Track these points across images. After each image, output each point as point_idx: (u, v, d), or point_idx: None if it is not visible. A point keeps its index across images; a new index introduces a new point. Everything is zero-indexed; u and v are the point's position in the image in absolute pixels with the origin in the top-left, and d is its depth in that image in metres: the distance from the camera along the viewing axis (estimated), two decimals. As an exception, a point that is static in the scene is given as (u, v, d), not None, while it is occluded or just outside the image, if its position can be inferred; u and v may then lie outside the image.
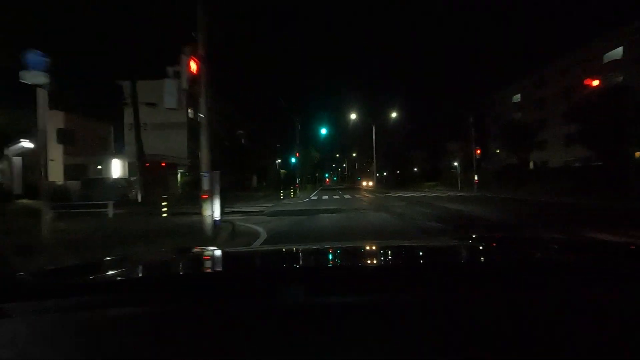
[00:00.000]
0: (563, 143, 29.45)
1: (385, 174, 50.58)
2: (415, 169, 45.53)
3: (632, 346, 0.53)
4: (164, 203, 9.77)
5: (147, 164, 20.27)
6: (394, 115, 35.54)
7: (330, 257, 1.28)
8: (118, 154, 22.32)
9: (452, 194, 22.23)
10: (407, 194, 22.26)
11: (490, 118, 40.77)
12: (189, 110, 35.26)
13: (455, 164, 38.95)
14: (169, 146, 32.84)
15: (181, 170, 26.02)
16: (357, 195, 22.10)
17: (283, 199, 18.43)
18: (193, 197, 21.23)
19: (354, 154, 71.85)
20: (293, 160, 24.24)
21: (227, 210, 13.55)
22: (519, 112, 36.57)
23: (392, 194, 23.54)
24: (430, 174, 40.08)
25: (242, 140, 39.57)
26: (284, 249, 1.55)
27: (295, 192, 22.17)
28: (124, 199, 17.58)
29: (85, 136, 22.31)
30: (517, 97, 37.07)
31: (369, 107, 35.11)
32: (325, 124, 24.27)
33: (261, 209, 13.71)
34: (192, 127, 36.01)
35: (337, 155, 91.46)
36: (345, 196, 21.54)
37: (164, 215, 9.66)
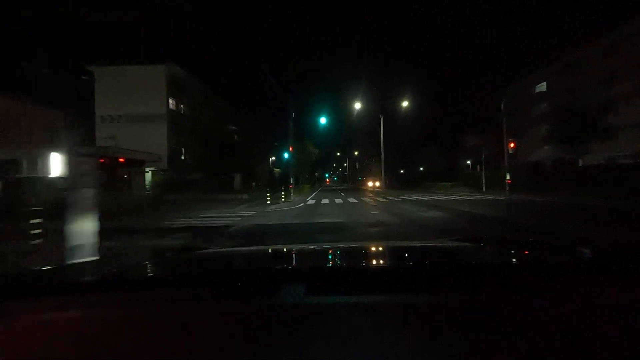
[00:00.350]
0: (603, 136, 25.16)
1: (388, 173, 46.12)
2: (425, 168, 40.96)
3: (632, 346, 0.53)
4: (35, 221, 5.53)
5: (102, 160, 16.12)
6: (403, 106, 31.27)
7: (330, 257, 1.27)
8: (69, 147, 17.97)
9: (482, 197, 17.97)
10: (426, 197, 17.99)
11: (508, 111, 36.49)
12: (170, 101, 31.10)
13: (468, 162, 34.88)
14: (146, 141, 28.62)
15: (152, 169, 21.77)
16: (365, 199, 17.81)
17: (270, 203, 14.18)
18: (160, 202, 16.94)
19: (356, 153, 67.63)
20: (286, 155, 19.94)
21: (179, 223, 9.36)
22: (544, 103, 32.32)
23: (407, 196, 19.29)
24: (445, 173, 35.72)
25: (235, 137, 35.51)
26: (283, 249, 1.53)
27: (287, 194, 17.94)
28: (59, 204, 13.41)
29: (23, 125, 18.02)
30: (542, 86, 32.75)
31: (376, 98, 30.87)
32: (325, 114, 20.00)
33: (233, 220, 9.53)
34: (174, 120, 31.99)
35: (338, 154, 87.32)
36: (350, 200, 17.27)
37: (36, 240, 5.42)
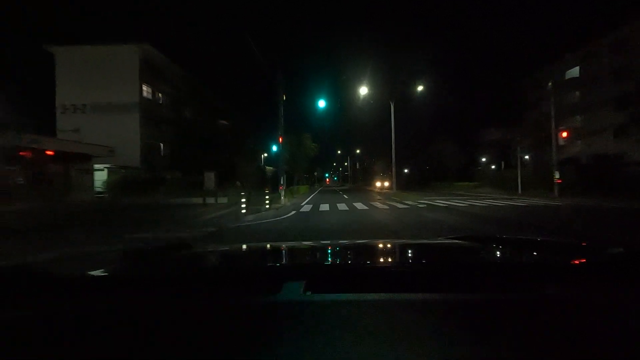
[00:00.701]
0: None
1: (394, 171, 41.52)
2: (437, 166, 36.36)
3: (631, 347, 0.52)
4: None
5: (22, 153, 11.93)
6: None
7: (330, 254, 1.25)
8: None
9: (532, 201, 13.74)
10: (458, 202, 13.78)
11: (530, 103, 32.29)
12: (144, 88, 26.82)
13: (483, 159, 30.62)
14: (117, 134, 24.29)
15: (106, 166, 17.50)
16: (376, 205, 13.58)
17: (247, 213, 9.97)
18: (98, 211, 11.55)
19: (358, 151, 63.39)
20: (274, 148, 15.80)
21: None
22: (577, 91, 28.16)
23: (429, 200, 15.08)
24: (460, 172, 31.40)
25: (223, 130, 30.86)
26: (282, 246, 1.52)
27: (275, 198, 13.76)
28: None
29: None
30: (574, 72, 28.53)
31: (381, 87, 26.52)
32: (325, 99, 15.73)
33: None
34: (149, 111, 27.61)
35: (339, 152, 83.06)
36: (357, 205, 13.07)
37: None
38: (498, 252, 1.22)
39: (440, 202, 13.86)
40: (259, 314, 0.61)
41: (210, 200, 14.25)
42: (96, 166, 15.36)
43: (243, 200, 10.01)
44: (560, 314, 0.60)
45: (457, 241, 1.42)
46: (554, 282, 0.72)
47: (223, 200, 14.64)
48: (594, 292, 0.69)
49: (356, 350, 0.50)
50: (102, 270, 0.97)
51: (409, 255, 1.24)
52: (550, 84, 16.42)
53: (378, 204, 13.50)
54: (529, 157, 26.00)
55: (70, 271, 0.94)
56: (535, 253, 1.17)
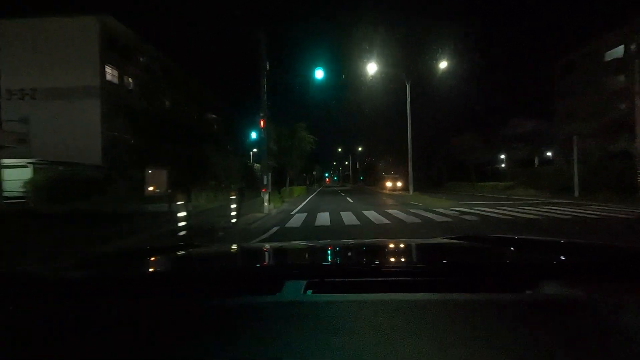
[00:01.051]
0: None
1: (404, 170, 37.04)
2: (453, 163, 31.82)
3: (631, 347, 0.52)
4: None
5: None
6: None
7: (331, 254, 1.25)
8: None
9: (615, 208, 9.55)
10: (514, 211, 9.63)
11: (562, 90, 28.05)
12: (107, 70, 22.60)
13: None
14: (75, 125, 20.41)
15: (30, 161, 13.23)
16: (396, 214, 9.42)
17: (188, 236, 5.80)
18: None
19: (360, 148, 59.17)
20: (254, 135, 12.00)
21: None
22: (622, 74, 23.94)
23: (466, 206, 10.91)
24: (485, 170, 26.94)
25: (207, 119, 26.51)
26: (284, 246, 1.52)
27: (257, 204, 9.63)
28: None
29: None
30: (618, 51, 24.23)
31: (396, 63, 22.14)
32: (323, 68, 11.57)
33: None
34: (114, 96, 23.40)
35: (340, 150, 78.75)
36: (369, 216, 8.92)
37: None
38: (497, 252, 1.21)
39: (490, 211, 9.68)
40: (260, 313, 0.61)
41: (163, 207, 10.04)
42: (10, 161, 11.26)
43: (182, 214, 5.84)
44: (559, 314, 0.60)
45: (457, 241, 1.42)
46: (554, 282, 0.72)
47: (189, 210, 10.41)
48: (593, 292, 0.69)
49: (357, 350, 0.50)
50: (102, 270, 0.96)
51: (410, 255, 1.24)
52: (633, 46, 12.18)
53: (399, 213, 9.33)
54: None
55: (66, 273, 0.92)
56: (535, 252, 1.16)
